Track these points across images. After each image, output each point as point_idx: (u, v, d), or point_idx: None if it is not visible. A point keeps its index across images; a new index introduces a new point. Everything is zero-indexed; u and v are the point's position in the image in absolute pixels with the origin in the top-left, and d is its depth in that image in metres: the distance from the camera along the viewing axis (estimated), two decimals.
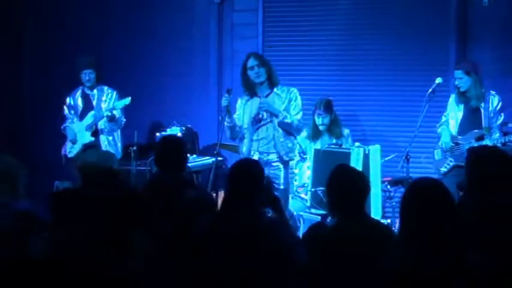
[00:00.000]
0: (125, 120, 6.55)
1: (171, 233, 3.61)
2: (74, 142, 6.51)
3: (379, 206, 5.54)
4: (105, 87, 6.59)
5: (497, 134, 5.60)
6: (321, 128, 6.19)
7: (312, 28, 7.08)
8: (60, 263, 2.81)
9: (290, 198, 5.82)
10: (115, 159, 4.58)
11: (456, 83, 5.69)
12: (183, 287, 3.28)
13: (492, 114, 5.64)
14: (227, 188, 3.51)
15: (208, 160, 6.51)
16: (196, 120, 7.29)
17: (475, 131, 5.64)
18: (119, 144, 6.60)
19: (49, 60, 7.71)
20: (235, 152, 5.99)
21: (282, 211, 3.80)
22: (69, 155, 6.55)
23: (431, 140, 6.14)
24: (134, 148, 6.44)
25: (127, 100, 6.36)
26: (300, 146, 6.29)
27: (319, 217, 5.24)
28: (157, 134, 6.87)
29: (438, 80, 5.70)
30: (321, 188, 5.25)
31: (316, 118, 6.19)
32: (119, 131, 6.58)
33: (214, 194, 5.23)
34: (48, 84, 7.51)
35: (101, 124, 6.48)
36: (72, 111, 6.62)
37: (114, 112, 6.38)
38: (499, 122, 5.68)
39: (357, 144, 5.80)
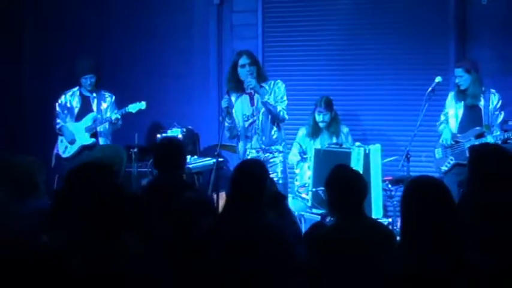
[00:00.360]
0: (121, 123, 6.57)
1: (171, 235, 3.61)
2: (72, 143, 6.50)
3: (380, 205, 5.54)
4: (105, 93, 6.60)
5: (498, 132, 5.61)
6: (321, 125, 6.21)
7: (312, 28, 7.09)
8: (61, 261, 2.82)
9: (291, 197, 5.83)
10: (123, 153, 4.56)
11: (456, 81, 5.71)
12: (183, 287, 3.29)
13: (492, 112, 5.65)
14: (230, 189, 3.52)
15: (209, 161, 6.52)
16: (197, 121, 7.30)
17: (475, 128, 5.65)
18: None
19: (49, 60, 7.73)
20: (235, 152, 6.00)
21: (287, 210, 3.82)
22: (64, 155, 6.54)
23: (432, 138, 6.15)
24: (135, 150, 6.44)
25: (142, 105, 6.39)
26: (301, 146, 6.31)
27: (320, 217, 5.25)
28: (158, 135, 6.88)
29: (438, 79, 5.70)
30: (322, 188, 5.24)
31: (316, 115, 6.21)
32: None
33: (215, 195, 5.23)
34: (48, 84, 7.51)
35: (100, 127, 6.49)
36: (66, 111, 6.59)
37: (113, 117, 6.41)
38: (500, 120, 5.69)
39: (357, 143, 5.81)
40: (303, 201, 5.93)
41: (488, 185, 3.37)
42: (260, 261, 3.27)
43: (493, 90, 5.70)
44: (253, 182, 3.48)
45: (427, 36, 6.72)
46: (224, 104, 5.52)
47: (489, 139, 5.52)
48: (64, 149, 6.56)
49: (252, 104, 5.63)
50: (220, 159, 5.99)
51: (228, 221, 3.43)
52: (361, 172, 4.16)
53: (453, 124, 5.80)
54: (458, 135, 5.73)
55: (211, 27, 7.43)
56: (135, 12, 7.59)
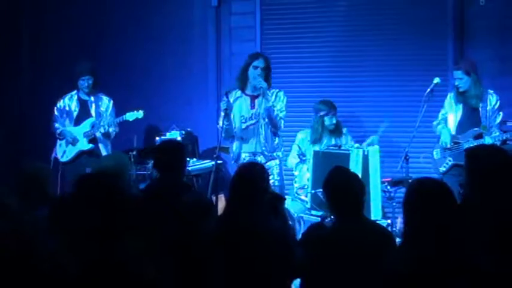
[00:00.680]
0: (117, 130, 6.54)
1: (173, 237, 3.62)
2: (74, 144, 6.48)
3: (379, 206, 5.55)
4: (103, 97, 6.59)
5: (497, 133, 5.61)
6: (330, 128, 6.18)
7: (310, 30, 7.09)
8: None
9: (290, 199, 5.83)
10: (127, 161, 4.58)
11: (456, 83, 5.69)
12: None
13: (491, 113, 5.65)
14: (230, 192, 3.54)
15: (208, 164, 6.52)
16: (196, 123, 7.30)
17: (474, 129, 5.65)
18: None
19: (48, 65, 7.73)
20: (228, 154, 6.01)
21: (284, 214, 3.82)
22: (62, 159, 6.54)
23: (430, 139, 6.14)
24: (134, 153, 6.44)
25: (140, 114, 6.38)
26: (300, 148, 6.30)
27: (319, 219, 5.25)
28: (157, 138, 6.88)
29: (436, 80, 5.70)
30: (321, 190, 5.25)
31: (327, 119, 6.16)
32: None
33: (214, 198, 5.23)
34: (47, 87, 7.49)
35: (98, 133, 6.48)
36: (65, 115, 6.58)
37: (110, 129, 6.40)
38: (498, 120, 5.69)
39: (356, 145, 5.81)
40: (302, 203, 5.93)
41: (486, 186, 3.36)
42: (261, 262, 3.27)
43: (490, 91, 5.71)
44: (253, 185, 3.50)
45: (426, 37, 6.72)
46: (223, 106, 5.54)
47: (487, 140, 5.52)
48: (62, 153, 6.55)
49: (252, 108, 5.63)
50: (219, 162, 6.01)
51: (227, 223, 3.44)
52: (360, 174, 4.17)
53: (452, 125, 5.80)
54: (458, 136, 5.73)
55: (209, 29, 7.44)
56: (133, 15, 7.59)
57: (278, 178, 5.66)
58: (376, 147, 5.65)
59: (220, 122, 5.64)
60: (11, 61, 7.79)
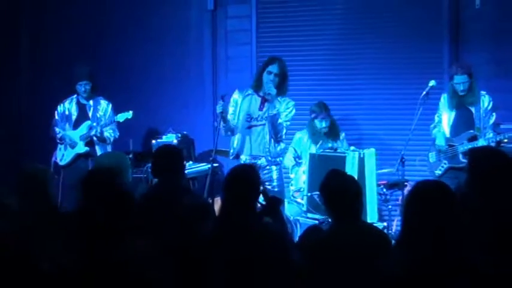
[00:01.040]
0: (116, 134, 6.54)
1: (173, 240, 3.62)
2: (73, 146, 6.48)
3: (375, 209, 5.56)
4: (101, 100, 6.58)
5: (491, 134, 5.62)
6: (323, 131, 6.19)
7: (306, 33, 7.10)
8: None
9: (286, 202, 5.83)
10: (127, 160, 4.57)
11: (461, 88, 5.65)
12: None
13: (484, 114, 5.66)
14: (224, 194, 3.54)
15: (204, 167, 6.53)
16: (192, 127, 7.30)
17: (469, 131, 5.66)
18: None
19: (48, 65, 7.74)
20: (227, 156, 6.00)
21: (280, 216, 3.83)
22: (61, 163, 6.54)
23: (426, 142, 6.15)
24: (130, 156, 6.43)
25: (128, 114, 6.35)
26: (296, 151, 6.31)
27: (316, 221, 5.26)
28: (153, 141, 6.88)
29: (432, 83, 5.70)
30: (317, 193, 5.26)
31: (317, 122, 6.18)
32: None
33: (210, 200, 5.24)
34: (46, 90, 7.51)
35: (94, 137, 6.47)
36: (64, 119, 6.57)
37: (105, 134, 6.40)
38: (491, 121, 5.69)
39: (352, 148, 5.82)
40: (298, 206, 5.94)
41: (486, 187, 3.37)
42: (259, 263, 3.28)
43: (483, 92, 5.71)
44: (247, 186, 3.50)
45: (421, 40, 6.74)
46: (219, 109, 5.45)
47: (481, 142, 5.53)
48: (61, 157, 6.56)
49: (261, 109, 5.57)
50: (215, 165, 6.01)
51: (223, 226, 3.44)
52: (356, 176, 4.17)
53: (446, 127, 5.80)
54: (453, 139, 5.74)
55: (205, 33, 7.45)
56: (130, 18, 7.61)
57: (277, 183, 5.56)
58: (372, 149, 5.66)
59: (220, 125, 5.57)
60: (10, 61, 7.80)
